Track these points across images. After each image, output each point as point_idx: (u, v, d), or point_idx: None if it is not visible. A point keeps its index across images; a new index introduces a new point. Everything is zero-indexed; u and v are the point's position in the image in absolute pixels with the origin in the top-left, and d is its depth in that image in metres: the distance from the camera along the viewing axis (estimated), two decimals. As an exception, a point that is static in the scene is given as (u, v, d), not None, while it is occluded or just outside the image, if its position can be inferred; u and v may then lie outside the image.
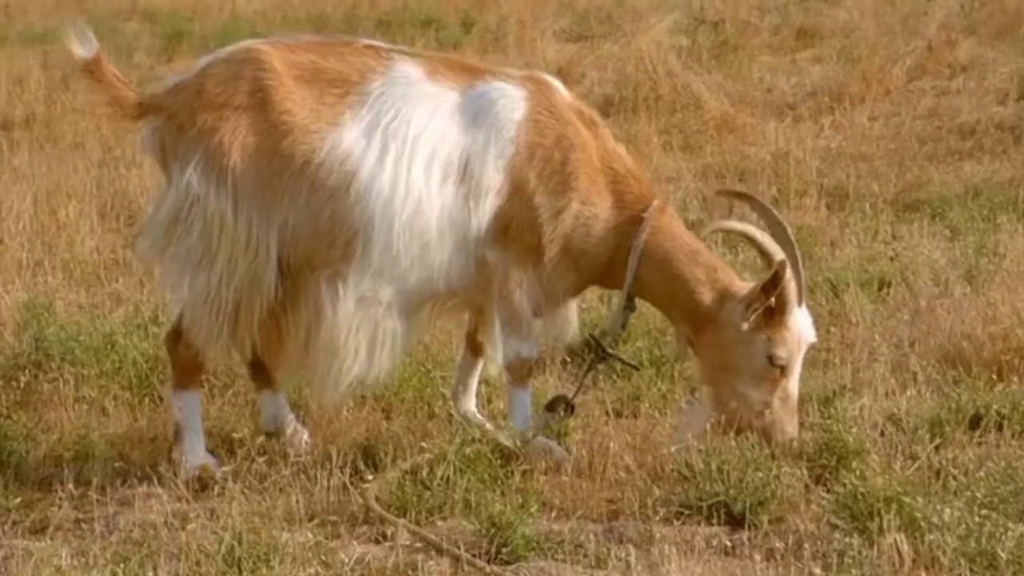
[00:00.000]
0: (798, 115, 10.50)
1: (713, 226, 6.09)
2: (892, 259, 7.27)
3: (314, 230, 5.16)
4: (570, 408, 5.46)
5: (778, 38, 13.33)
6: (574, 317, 5.62)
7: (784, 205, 8.41)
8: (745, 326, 5.17)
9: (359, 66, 5.27)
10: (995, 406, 5.47)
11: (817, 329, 6.41)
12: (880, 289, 6.96)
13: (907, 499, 4.68)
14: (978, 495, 4.73)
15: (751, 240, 5.41)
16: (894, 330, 6.41)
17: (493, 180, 5.22)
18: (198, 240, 5.15)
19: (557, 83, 5.48)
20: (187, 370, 5.32)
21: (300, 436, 5.47)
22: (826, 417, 5.35)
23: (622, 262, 5.31)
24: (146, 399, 5.90)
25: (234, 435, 5.30)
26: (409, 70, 5.28)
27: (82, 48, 5.24)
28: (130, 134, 10.18)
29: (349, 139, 5.16)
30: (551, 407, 5.44)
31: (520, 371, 5.34)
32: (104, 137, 10.20)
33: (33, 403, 5.86)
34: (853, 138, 9.93)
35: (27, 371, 6.01)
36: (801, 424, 5.52)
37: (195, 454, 5.27)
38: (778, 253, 5.21)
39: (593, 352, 5.58)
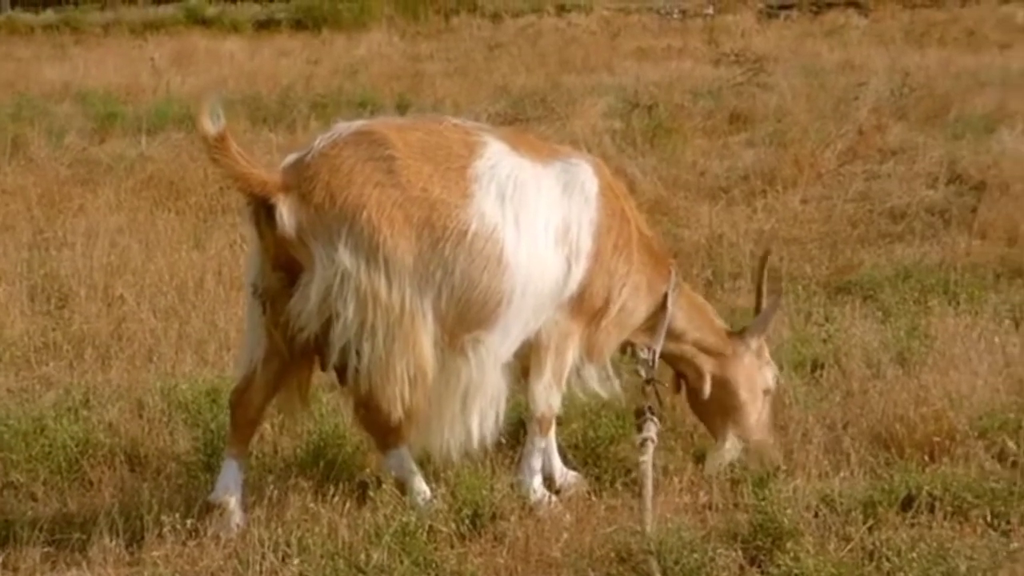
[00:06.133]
0: (731, 198, 10.56)
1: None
2: (825, 341, 7.29)
3: (467, 299, 5.30)
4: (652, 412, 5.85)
5: (711, 122, 13.45)
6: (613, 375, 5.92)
7: (718, 287, 8.47)
8: (760, 357, 6.02)
9: (461, 141, 5.46)
10: (927, 487, 5.47)
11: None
12: (813, 371, 6.98)
13: (842, 581, 4.69)
14: (911, 576, 4.75)
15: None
16: (827, 412, 6.43)
17: (586, 245, 5.56)
18: (355, 314, 5.20)
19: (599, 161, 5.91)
20: (384, 431, 5.45)
21: (235, 517, 5.40)
22: (760, 498, 5.35)
23: (657, 315, 5.83)
24: (76, 483, 5.83)
25: (163, 518, 5.22)
26: (499, 144, 5.51)
27: (211, 124, 5.20)
28: (61, 215, 10.21)
29: (488, 210, 5.34)
30: (638, 422, 5.84)
31: (549, 421, 5.72)
32: (35, 219, 10.14)
33: (-40, 488, 5.78)
34: (785, 221, 10.00)
35: (-46, 456, 5.94)
36: (735, 505, 5.54)
37: (426, 494, 5.48)
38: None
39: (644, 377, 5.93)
